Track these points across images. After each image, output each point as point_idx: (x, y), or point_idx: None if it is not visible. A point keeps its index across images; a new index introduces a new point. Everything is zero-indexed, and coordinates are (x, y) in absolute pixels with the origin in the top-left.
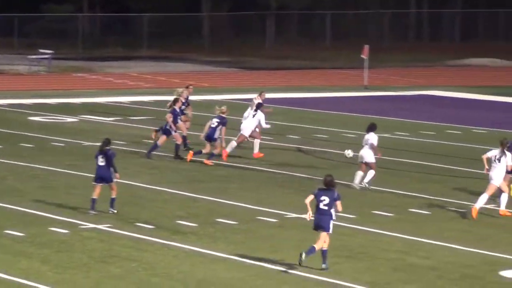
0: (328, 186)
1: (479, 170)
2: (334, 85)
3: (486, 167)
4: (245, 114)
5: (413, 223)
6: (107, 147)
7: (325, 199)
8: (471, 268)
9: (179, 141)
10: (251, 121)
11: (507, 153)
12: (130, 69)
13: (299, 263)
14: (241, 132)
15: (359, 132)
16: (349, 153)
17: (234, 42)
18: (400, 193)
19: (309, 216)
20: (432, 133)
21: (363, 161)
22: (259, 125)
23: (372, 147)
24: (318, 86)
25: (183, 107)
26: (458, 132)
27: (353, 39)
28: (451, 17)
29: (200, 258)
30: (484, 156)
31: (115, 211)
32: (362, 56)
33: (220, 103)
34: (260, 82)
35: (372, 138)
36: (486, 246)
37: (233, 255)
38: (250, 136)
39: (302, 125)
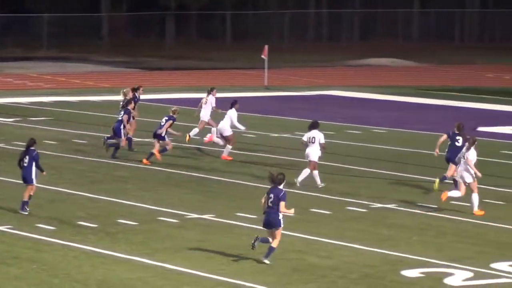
0: (275, 184)
1: (378, 169)
2: (234, 85)
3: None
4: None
5: (313, 223)
6: (32, 148)
7: (272, 197)
8: (372, 268)
9: (124, 143)
10: (225, 121)
11: (472, 149)
12: (29, 70)
13: (252, 247)
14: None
15: (260, 133)
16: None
17: (134, 42)
18: (301, 192)
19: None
20: (332, 133)
21: (311, 160)
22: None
23: (322, 146)
24: (218, 86)
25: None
26: (358, 132)
27: (253, 39)
28: (350, 17)
29: (100, 258)
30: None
31: (27, 212)
32: (262, 56)
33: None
34: (160, 82)
35: (319, 136)
36: (387, 246)
37: (133, 255)
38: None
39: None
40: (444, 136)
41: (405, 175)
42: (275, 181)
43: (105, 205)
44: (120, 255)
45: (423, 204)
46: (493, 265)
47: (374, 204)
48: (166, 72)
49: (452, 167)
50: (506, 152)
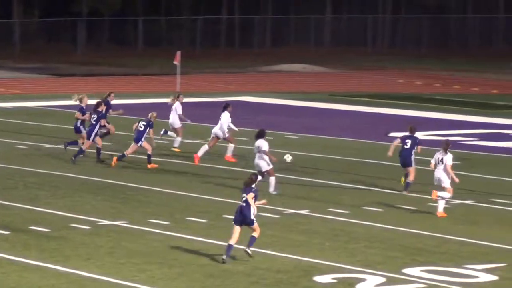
0: (248, 185)
1: (291, 175)
2: (146, 91)
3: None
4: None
5: (226, 228)
6: None
7: (244, 196)
8: (285, 273)
9: (100, 144)
10: (219, 125)
11: (449, 154)
12: None
13: (249, 256)
14: (215, 135)
15: (174, 139)
16: (288, 157)
17: (46, 48)
18: (212, 198)
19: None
20: (245, 139)
21: (261, 170)
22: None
23: (265, 154)
24: (130, 93)
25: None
26: (271, 138)
27: (166, 45)
28: (262, 23)
29: (13, 266)
30: (432, 161)
31: None
32: (175, 62)
33: (31, 110)
34: (72, 89)
35: (263, 145)
36: (299, 252)
37: (46, 262)
38: (225, 139)
39: (117, 132)
40: (398, 140)
41: (318, 180)
42: (251, 183)
43: (18, 212)
44: (33, 262)
45: (335, 210)
46: (404, 270)
47: (287, 210)
48: (77, 78)
49: (408, 170)
50: (417, 157)
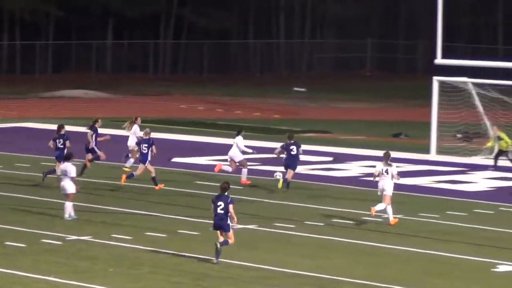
0: (223, 192)
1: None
2: None
3: (376, 179)
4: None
5: (8, 255)
6: None
7: (221, 204)
8: None
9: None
10: (234, 148)
11: (393, 164)
12: None
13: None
14: (232, 159)
15: None
16: (278, 174)
17: None
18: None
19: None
20: (28, 165)
21: (65, 193)
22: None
23: (72, 179)
24: None
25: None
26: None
27: None
28: (44, 49)
29: None
30: (376, 173)
31: None
32: None
33: None
34: None
35: (70, 169)
36: (84, 278)
37: None
38: (237, 162)
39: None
40: (279, 148)
41: (100, 206)
42: (225, 189)
43: None
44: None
45: (118, 236)
46: None
47: (70, 236)
48: None
49: (290, 172)
50: (200, 182)
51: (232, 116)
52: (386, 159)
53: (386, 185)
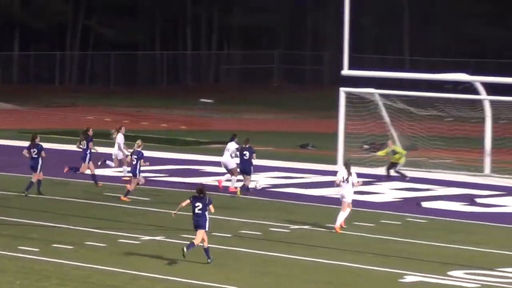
0: (200, 194)
1: None
2: None
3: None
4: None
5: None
6: None
7: (199, 205)
8: None
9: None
10: (226, 154)
11: (353, 172)
12: None
13: (183, 256)
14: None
15: None
16: (260, 185)
17: None
18: None
19: (173, 214)
20: None
21: None
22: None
23: None
24: None
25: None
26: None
27: None
28: None
29: None
30: (337, 181)
31: None
32: None
33: None
34: None
35: None
36: None
37: None
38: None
39: None
40: (234, 149)
41: (9, 218)
42: (204, 192)
43: None
44: None
45: (25, 248)
46: None
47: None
48: None
49: (246, 177)
50: (108, 194)
51: (139, 127)
52: (347, 168)
53: (346, 193)
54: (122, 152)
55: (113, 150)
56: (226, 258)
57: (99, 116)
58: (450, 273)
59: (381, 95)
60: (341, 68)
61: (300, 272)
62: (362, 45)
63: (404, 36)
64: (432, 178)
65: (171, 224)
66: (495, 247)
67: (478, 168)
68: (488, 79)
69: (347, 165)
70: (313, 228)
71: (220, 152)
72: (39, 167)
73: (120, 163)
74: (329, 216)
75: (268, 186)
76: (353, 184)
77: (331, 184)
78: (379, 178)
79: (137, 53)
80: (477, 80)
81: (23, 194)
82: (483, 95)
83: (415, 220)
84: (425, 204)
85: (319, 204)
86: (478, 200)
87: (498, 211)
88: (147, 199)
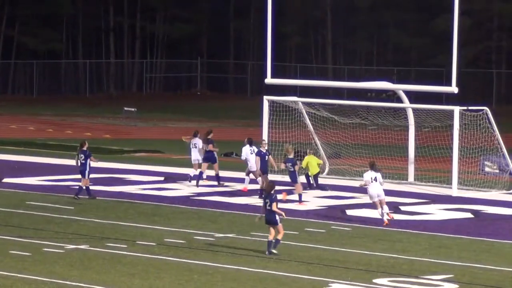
0: (268, 192)
1: None
2: None
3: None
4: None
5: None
6: None
7: (268, 202)
8: None
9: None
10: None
11: (378, 173)
12: None
13: (269, 253)
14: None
15: None
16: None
17: None
18: None
19: (257, 219)
20: None
21: None
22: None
23: None
24: None
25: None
26: None
27: None
28: None
29: None
30: (366, 182)
31: None
32: None
33: None
34: None
35: None
36: None
37: None
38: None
39: None
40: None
41: None
42: (267, 189)
43: None
44: None
45: None
46: None
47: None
48: None
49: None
50: (31, 202)
51: (63, 136)
52: (372, 167)
53: (379, 191)
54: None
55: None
56: (149, 266)
57: (23, 125)
58: (375, 280)
59: (305, 103)
60: (264, 76)
61: (222, 280)
62: (285, 53)
63: (326, 44)
64: (356, 186)
65: (96, 233)
66: (419, 255)
67: (402, 176)
68: (411, 87)
69: (373, 165)
70: (238, 236)
71: (145, 161)
72: (86, 172)
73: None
74: (254, 225)
75: (192, 194)
76: (380, 183)
77: (255, 192)
78: (304, 187)
79: (60, 61)
80: (400, 88)
81: (75, 198)
82: (406, 103)
83: (340, 228)
84: (349, 212)
85: (244, 212)
86: (403, 208)
87: (422, 218)
88: (70, 207)
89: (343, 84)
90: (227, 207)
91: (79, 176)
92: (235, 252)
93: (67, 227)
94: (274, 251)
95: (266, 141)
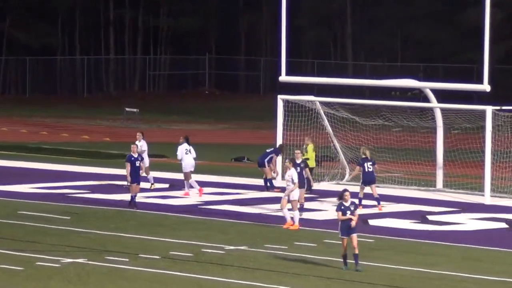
0: (342, 199)
1: None
2: None
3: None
4: None
5: None
6: None
7: (348, 212)
8: None
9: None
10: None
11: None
12: None
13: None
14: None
15: None
16: None
17: None
18: None
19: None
20: None
21: None
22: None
23: None
24: None
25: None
26: None
27: None
28: None
29: None
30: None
31: None
32: None
33: None
34: None
35: None
36: None
37: None
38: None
39: None
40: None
41: None
42: (343, 196)
43: None
44: None
45: None
46: None
47: None
48: None
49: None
50: (23, 212)
51: (58, 139)
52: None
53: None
54: None
55: None
56: (153, 281)
57: (14, 128)
58: None
59: (322, 103)
60: (278, 74)
61: None
62: (301, 49)
63: (346, 39)
64: (380, 194)
65: (95, 245)
66: (451, 269)
67: (429, 183)
68: (438, 85)
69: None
70: (250, 249)
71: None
72: (139, 178)
73: None
74: (267, 236)
75: (200, 203)
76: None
77: (269, 201)
78: (321, 194)
79: (56, 58)
80: (427, 86)
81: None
82: (434, 103)
83: (362, 239)
84: (372, 222)
85: (256, 223)
86: (430, 218)
87: (452, 229)
88: (66, 217)
89: (365, 82)
90: (238, 216)
91: (74, 183)
92: (247, 266)
93: (63, 239)
94: (359, 268)
95: (301, 152)
